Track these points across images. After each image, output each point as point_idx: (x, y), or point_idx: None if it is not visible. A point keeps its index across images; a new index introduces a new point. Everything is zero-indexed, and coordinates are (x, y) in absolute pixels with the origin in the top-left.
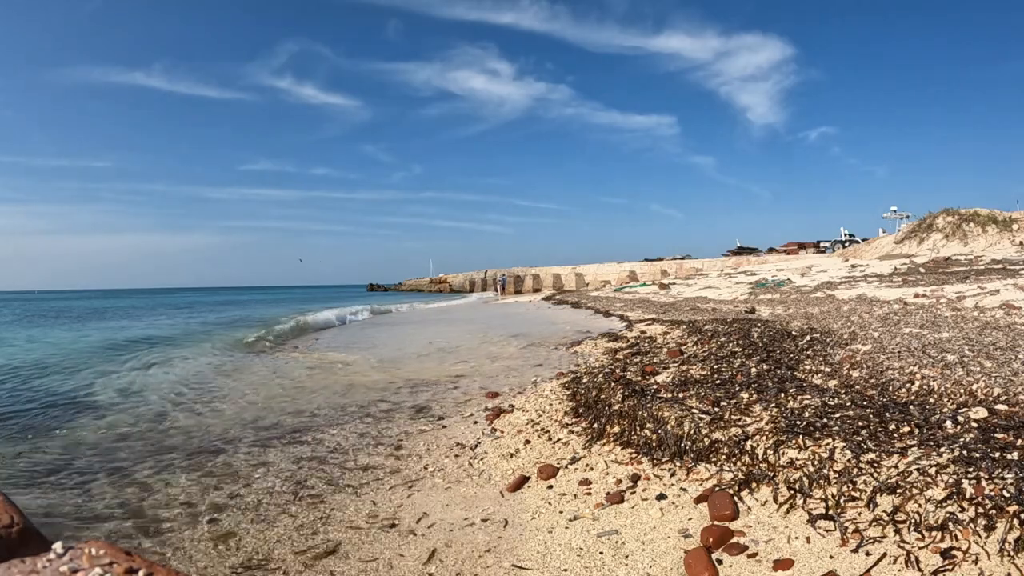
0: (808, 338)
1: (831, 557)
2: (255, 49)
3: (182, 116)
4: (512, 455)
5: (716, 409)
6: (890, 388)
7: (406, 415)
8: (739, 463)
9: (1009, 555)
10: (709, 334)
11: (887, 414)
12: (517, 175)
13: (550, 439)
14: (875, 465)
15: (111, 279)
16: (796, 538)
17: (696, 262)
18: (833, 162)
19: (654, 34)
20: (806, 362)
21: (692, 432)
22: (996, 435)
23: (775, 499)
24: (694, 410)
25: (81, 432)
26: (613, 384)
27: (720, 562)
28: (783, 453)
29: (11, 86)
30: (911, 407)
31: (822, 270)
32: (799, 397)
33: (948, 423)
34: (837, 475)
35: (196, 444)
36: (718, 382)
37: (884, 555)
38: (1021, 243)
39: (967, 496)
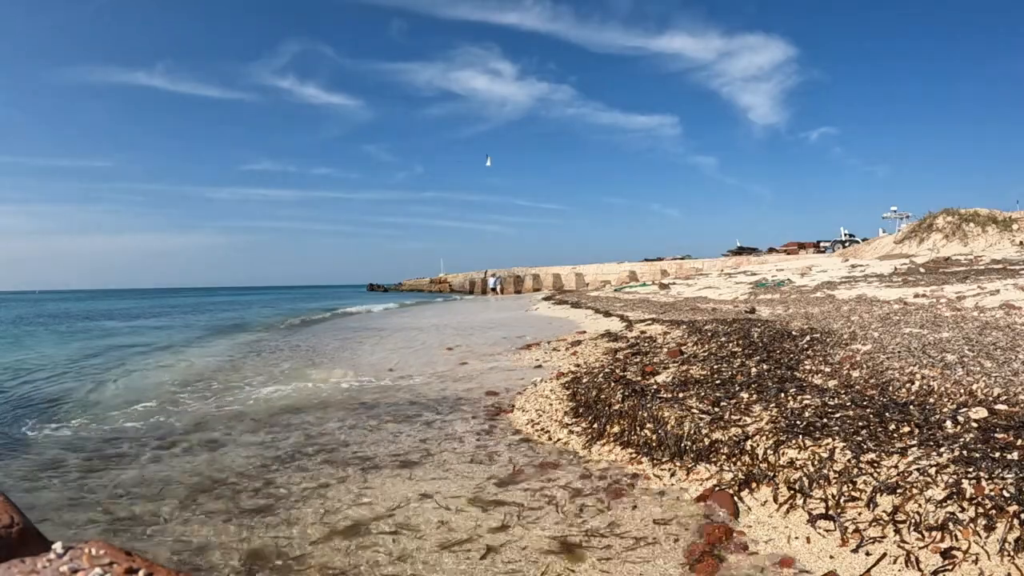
0: (808, 338)
1: (831, 557)
2: (257, 49)
3: (183, 116)
4: (511, 454)
5: (716, 409)
6: (890, 388)
7: (406, 414)
8: (739, 463)
9: (1009, 555)
10: (709, 334)
11: (887, 414)
12: (519, 175)
13: (550, 439)
14: (875, 465)
15: (111, 279)
16: (796, 538)
17: (696, 262)
18: (834, 162)
19: (656, 34)
20: (806, 362)
21: (692, 432)
22: (996, 435)
23: (775, 499)
24: (694, 410)
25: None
26: (613, 384)
27: (720, 561)
28: (783, 453)
29: (11, 86)
30: (911, 407)
31: (822, 270)
32: (799, 397)
33: (948, 423)
34: (837, 475)
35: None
36: (718, 382)
37: (884, 555)
38: (1021, 243)
39: (967, 496)
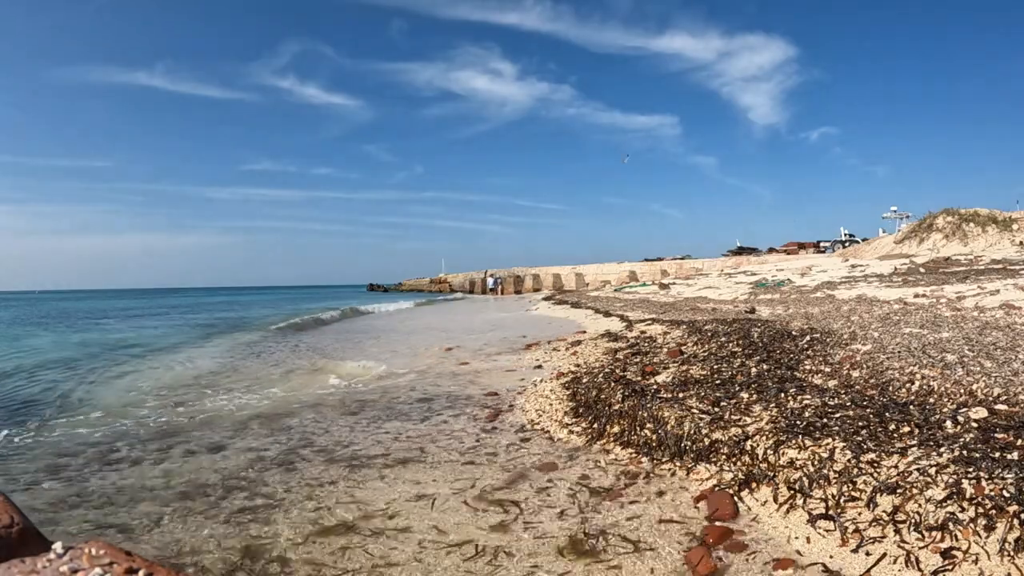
0: (808, 338)
1: (831, 557)
2: (258, 49)
3: (184, 116)
4: (511, 454)
5: (716, 409)
6: (890, 388)
7: (406, 415)
8: (739, 463)
9: (1009, 555)
10: (709, 334)
11: (887, 414)
12: (519, 175)
13: (550, 439)
14: (875, 465)
15: (111, 279)
16: (796, 538)
17: (696, 262)
18: (834, 162)
19: (657, 34)
20: (806, 362)
21: (692, 432)
22: (996, 435)
23: (775, 499)
24: (694, 410)
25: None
26: (613, 384)
27: (720, 561)
28: (783, 453)
29: (12, 85)
30: (911, 407)
31: (822, 270)
32: (799, 397)
33: (948, 423)
34: (837, 475)
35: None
36: (718, 382)
37: (884, 555)
38: (1021, 243)
39: (967, 496)
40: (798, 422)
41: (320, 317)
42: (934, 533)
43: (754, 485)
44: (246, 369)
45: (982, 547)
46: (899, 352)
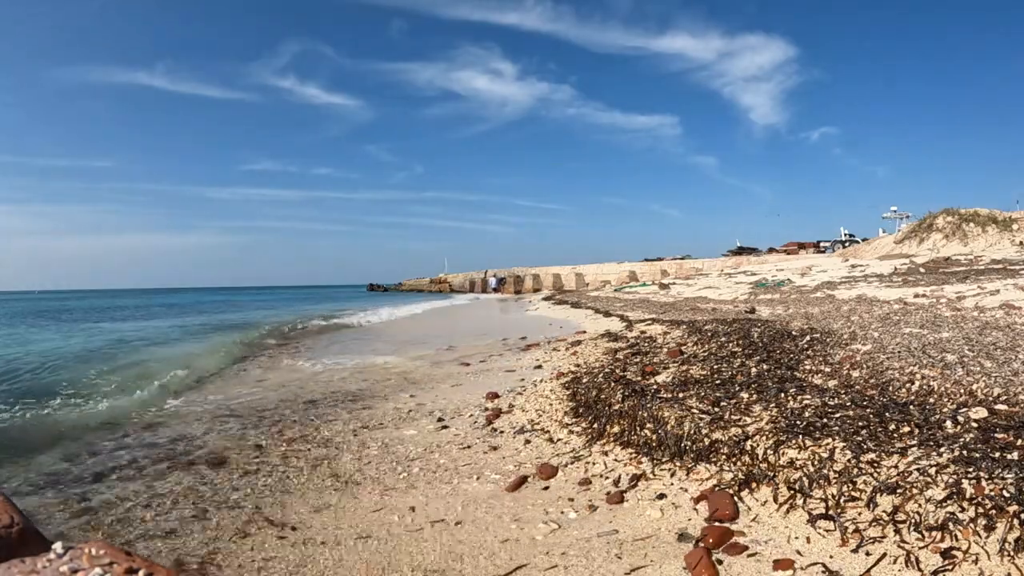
0: (808, 338)
1: (831, 557)
2: (258, 49)
3: (184, 116)
4: (511, 455)
5: (716, 409)
6: (890, 388)
7: (404, 414)
8: (739, 463)
9: (1009, 555)
10: (709, 334)
11: (887, 414)
12: (519, 175)
13: (550, 439)
14: (875, 465)
15: (111, 279)
16: (796, 538)
17: (696, 262)
18: (834, 162)
19: (657, 34)
20: (806, 362)
21: (692, 432)
22: (996, 435)
23: (775, 499)
24: (694, 410)
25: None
26: (613, 384)
27: (720, 562)
28: (783, 453)
29: (12, 85)
30: (911, 407)
31: (822, 270)
32: (799, 397)
33: (948, 423)
34: (837, 475)
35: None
36: (718, 382)
37: (884, 555)
38: (1021, 243)
39: (967, 496)
40: (798, 422)
41: (315, 326)
42: (934, 533)
43: (754, 485)
44: (243, 370)
45: (982, 547)
46: (899, 352)
